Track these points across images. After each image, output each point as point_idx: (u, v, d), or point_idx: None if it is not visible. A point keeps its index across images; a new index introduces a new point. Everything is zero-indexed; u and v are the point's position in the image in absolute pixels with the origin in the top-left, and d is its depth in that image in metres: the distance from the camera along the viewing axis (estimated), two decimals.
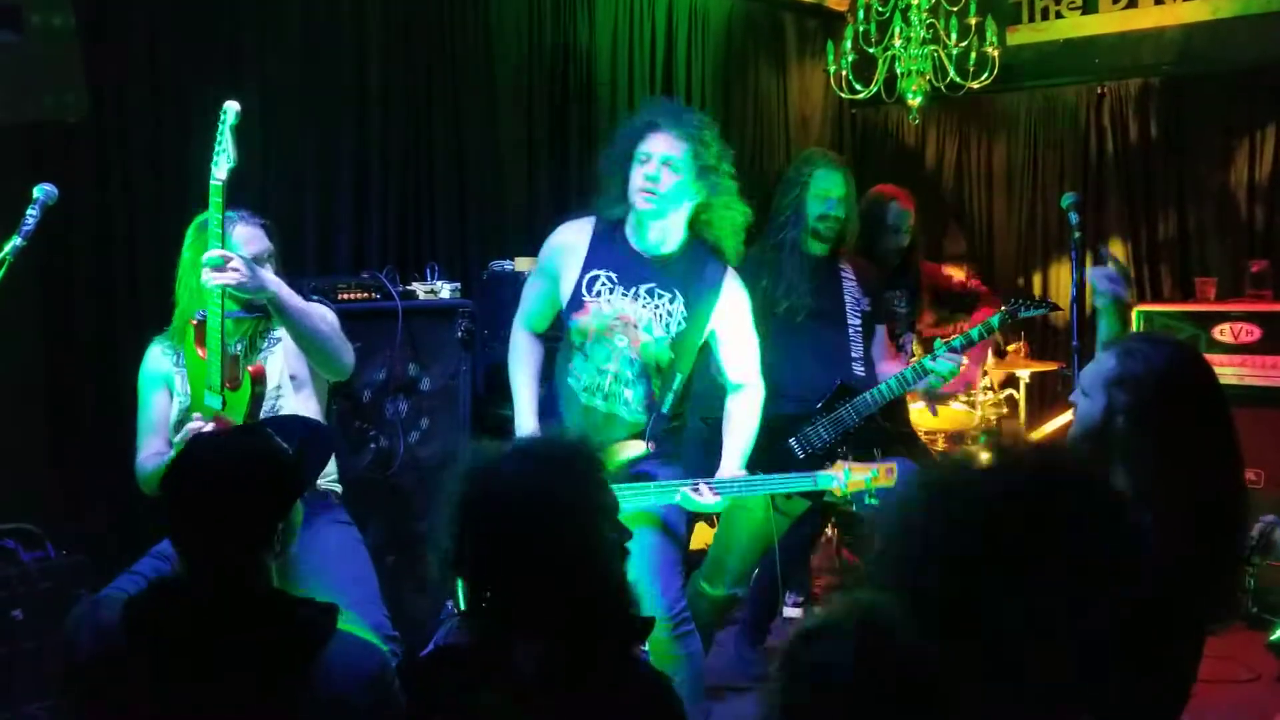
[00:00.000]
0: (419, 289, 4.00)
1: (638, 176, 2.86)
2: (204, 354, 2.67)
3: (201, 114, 3.94)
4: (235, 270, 2.56)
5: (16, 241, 2.52)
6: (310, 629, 1.71)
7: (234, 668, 1.65)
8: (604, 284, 2.92)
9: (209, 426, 2.58)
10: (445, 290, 4.02)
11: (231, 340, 2.72)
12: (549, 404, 3.10)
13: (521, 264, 4.25)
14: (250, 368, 2.66)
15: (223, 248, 2.58)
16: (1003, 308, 3.51)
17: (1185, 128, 5.86)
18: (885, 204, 4.01)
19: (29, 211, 2.56)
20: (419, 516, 3.61)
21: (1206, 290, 5.41)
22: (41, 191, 2.60)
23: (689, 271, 2.94)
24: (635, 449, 2.89)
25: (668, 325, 2.91)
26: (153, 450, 2.83)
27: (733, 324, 3.00)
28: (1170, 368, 2.00)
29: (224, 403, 2.63)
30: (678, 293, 2.92)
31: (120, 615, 1.72)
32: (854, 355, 3.53)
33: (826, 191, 3.47)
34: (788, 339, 3.50)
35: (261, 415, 2.68)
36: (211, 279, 2.56)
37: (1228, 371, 4.64)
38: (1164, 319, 5.11)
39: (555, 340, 3.16)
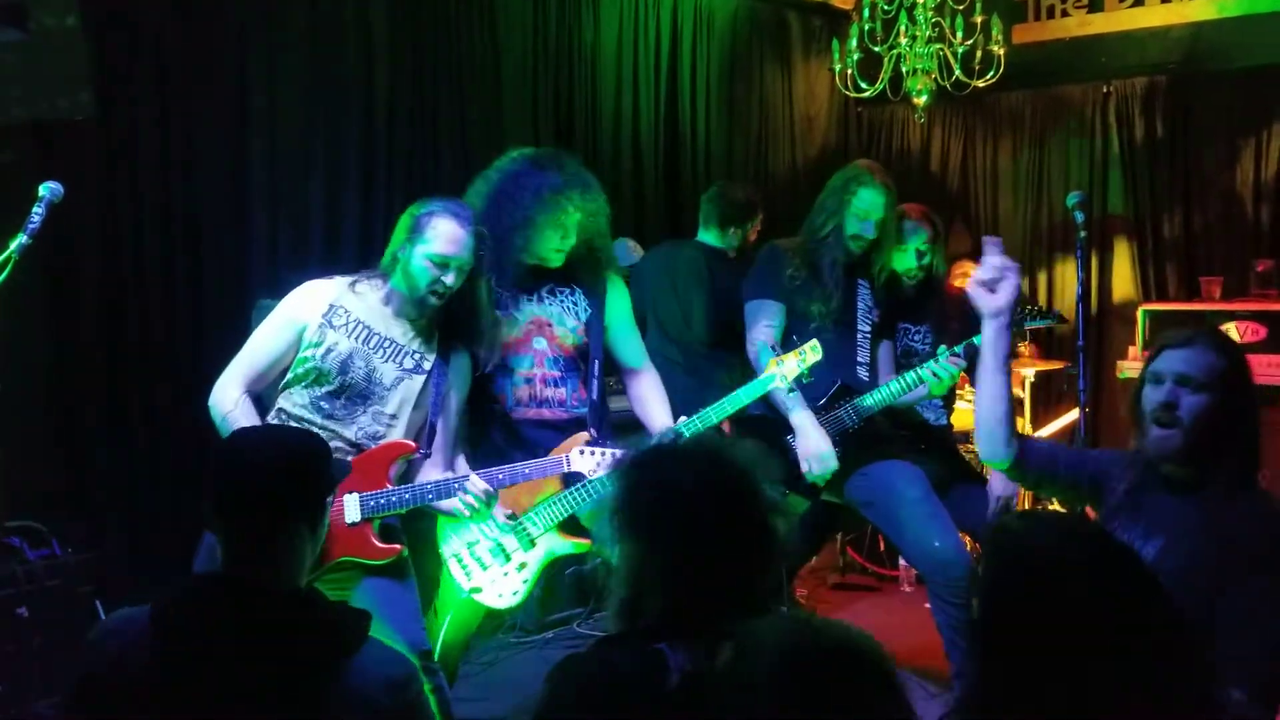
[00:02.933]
0: None
1: (553, 239, 3.00)
2: None
3: (208, 113, 3.97)
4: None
5: (23, 239, 2.51)
6: (342, 631, 1.73)
7: (262, 661, 1.65)
8: (508, 298, 3.04)
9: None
10: None
11: None
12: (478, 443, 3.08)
13: None
14: None
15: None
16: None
17: (1191, 126, 5.84)
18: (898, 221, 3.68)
19: (35, 210, 2.55)
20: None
21: (1212, 289, 5.40)
22: (48, 190, 2.59)
23: (577, 268, 3.10)
24: (580, 440, 2.94)
25: (576, 314, 3.10)
26: (238, 393, 2.72)
27: (623, 313, 3.19)
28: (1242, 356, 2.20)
29: None
30: (575, 286, 3.11)
31: (149, 611, 1.71)
32: (860, 360, 3.53)
33: (866, 213, 3.44)
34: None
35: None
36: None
37: None
38: (1170, 318, 5.12)
39: None
